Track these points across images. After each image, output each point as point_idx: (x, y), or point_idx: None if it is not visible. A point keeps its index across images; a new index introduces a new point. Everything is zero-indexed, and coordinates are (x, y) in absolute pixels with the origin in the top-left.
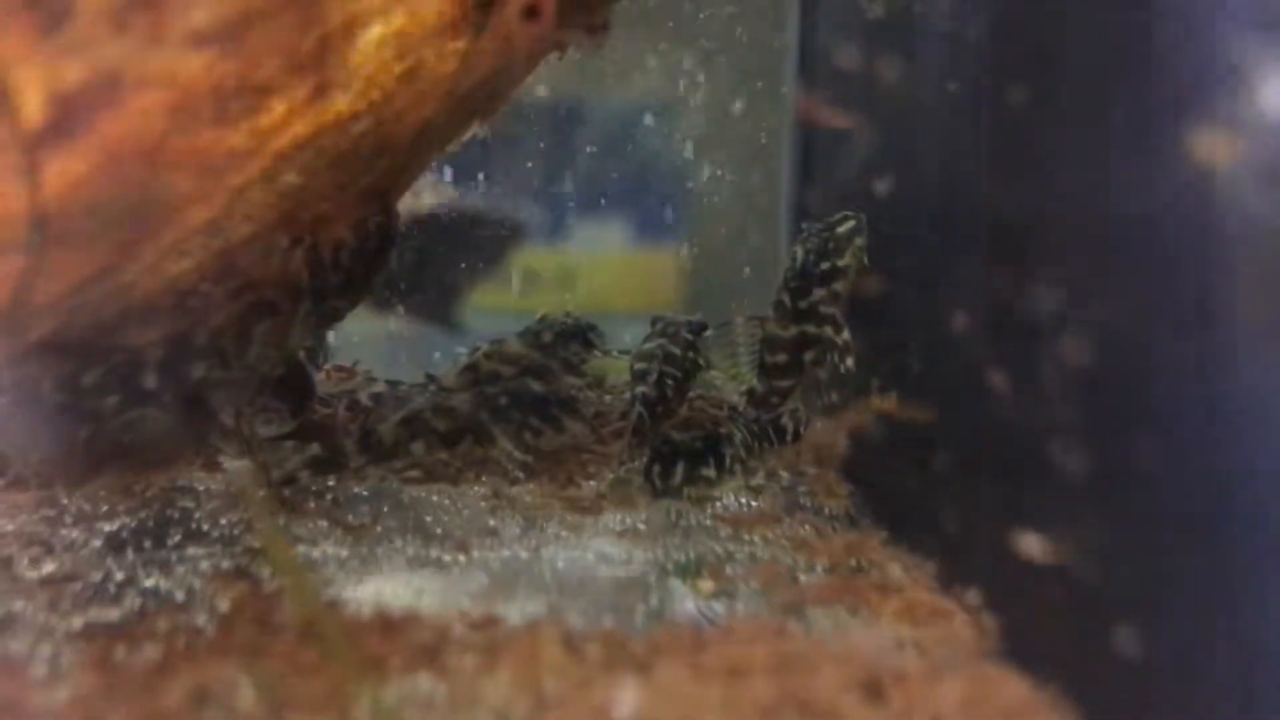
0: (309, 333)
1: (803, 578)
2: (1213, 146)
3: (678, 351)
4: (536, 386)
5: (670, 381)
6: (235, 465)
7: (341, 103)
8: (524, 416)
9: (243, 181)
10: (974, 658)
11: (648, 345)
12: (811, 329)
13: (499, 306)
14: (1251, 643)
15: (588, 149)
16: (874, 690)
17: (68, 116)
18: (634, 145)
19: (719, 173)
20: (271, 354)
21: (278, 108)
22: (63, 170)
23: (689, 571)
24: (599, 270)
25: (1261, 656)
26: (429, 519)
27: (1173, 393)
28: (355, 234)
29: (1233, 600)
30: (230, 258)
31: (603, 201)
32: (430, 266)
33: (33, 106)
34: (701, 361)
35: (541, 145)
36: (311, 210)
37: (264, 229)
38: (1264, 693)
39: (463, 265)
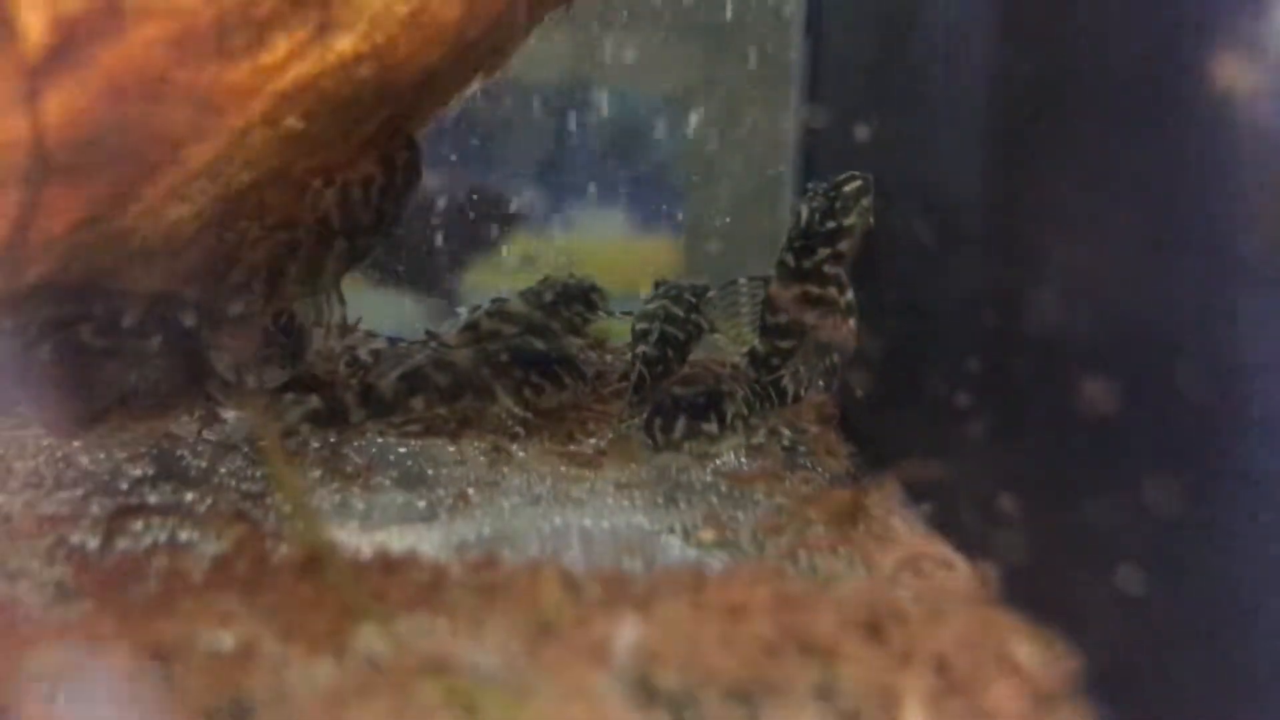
0: (341, 271)
1: (803, 530)
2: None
3: (680, 313)
4: (538, 344)
5: (671, 341)
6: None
7: (345, 43)
8: (525, 373)
9: (244, 123)
10: (975, 603)
11: (650, 305)
12: (814, 289)
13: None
14: (1250, 582)
15: (587, 132)
16: (875, 630)
17: (69, 46)
18: (634, 129)
19: (723, 157)
20: (304, 293)
21: (280, 45)
22: (63, 100)
23: (690, 523)
24: (599, 256)
25: (1260, 596)
26: (429, 472)
27: (1174, 339)
28: (384, 170)
29: (1232, 541)
30: (230, 205)
31: (604, 187)
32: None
33: (34, 33)
34: (704, 324)
35: (544, 130)
36: (313, 159)
37: (265, 176)
38: (1262, 634)
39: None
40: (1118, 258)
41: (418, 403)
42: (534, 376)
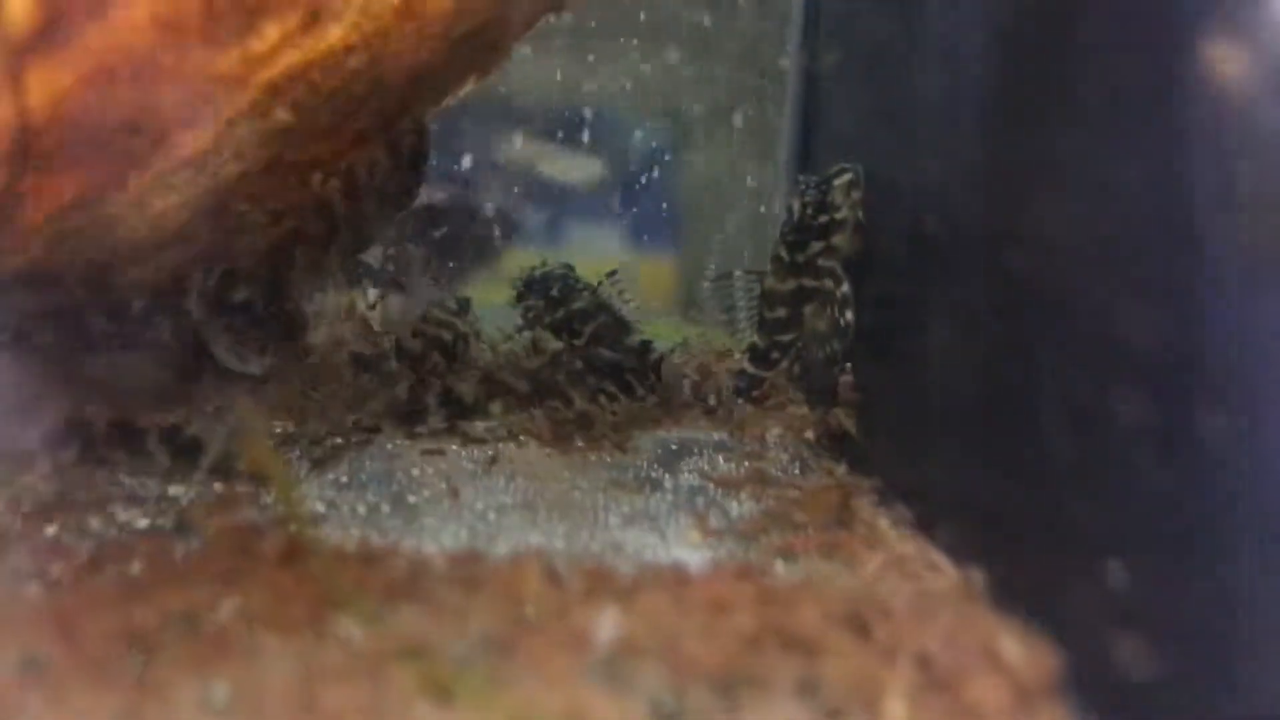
0: (346, 258)
1: (790, 532)
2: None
3: None
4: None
5: None
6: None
7: (335, 34)
8: (598, 381)
9: (233, 112)
10: (960, 603)
11: None
12: (810, 282)
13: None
14: (1232, 583)
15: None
16: (859, 626)
17: (54, 26)
18: (630, 148)
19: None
20: (311, 281)
21: (270, 32)
22: (48, 82)
23: (677, 522)
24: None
25: (1241, 598)
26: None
27: (1166, 341)
28: (390, 156)
29: (1213, 539)
30: (220, 197)
31: (602, 205)
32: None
33: (19, 12)
34: None
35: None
36: (303, 152)
37: (254, 168)
38: (1243, 633)
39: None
40: (1108, 266)
41: (496, 407)
42: (607, 385)
